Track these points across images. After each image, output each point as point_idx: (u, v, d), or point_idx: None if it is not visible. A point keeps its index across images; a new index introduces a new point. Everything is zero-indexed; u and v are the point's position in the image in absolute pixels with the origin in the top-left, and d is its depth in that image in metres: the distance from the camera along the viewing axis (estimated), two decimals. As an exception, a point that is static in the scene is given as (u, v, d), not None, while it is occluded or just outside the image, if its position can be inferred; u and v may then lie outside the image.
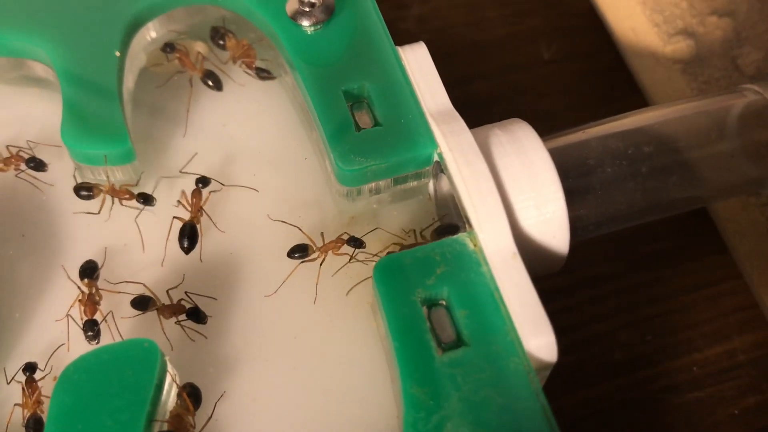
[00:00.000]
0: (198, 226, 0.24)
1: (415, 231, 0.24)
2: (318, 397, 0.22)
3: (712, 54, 0.29)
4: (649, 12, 0.30)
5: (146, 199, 0.24)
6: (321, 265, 0.24)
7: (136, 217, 0.24)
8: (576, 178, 0.23)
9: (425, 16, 0.36)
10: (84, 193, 0.25)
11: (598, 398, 0.28)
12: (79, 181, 0.25)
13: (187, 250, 0.24)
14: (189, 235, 0.24)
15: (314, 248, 0.24)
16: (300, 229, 0.24)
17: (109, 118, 0.24)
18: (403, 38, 0.35)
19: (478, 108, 0.33)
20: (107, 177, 0.24)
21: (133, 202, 0.24)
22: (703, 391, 0.29)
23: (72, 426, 0.20)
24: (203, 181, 0.25)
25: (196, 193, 0.24)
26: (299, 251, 0.24)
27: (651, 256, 0.31)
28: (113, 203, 0.24)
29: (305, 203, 0.25)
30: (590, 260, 0.31)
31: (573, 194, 0.23)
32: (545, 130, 0.24)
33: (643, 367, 0.29)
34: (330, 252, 0.24)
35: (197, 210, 0.24)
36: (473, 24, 0.36)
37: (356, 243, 0.24)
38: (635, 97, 0.33)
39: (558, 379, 0.28)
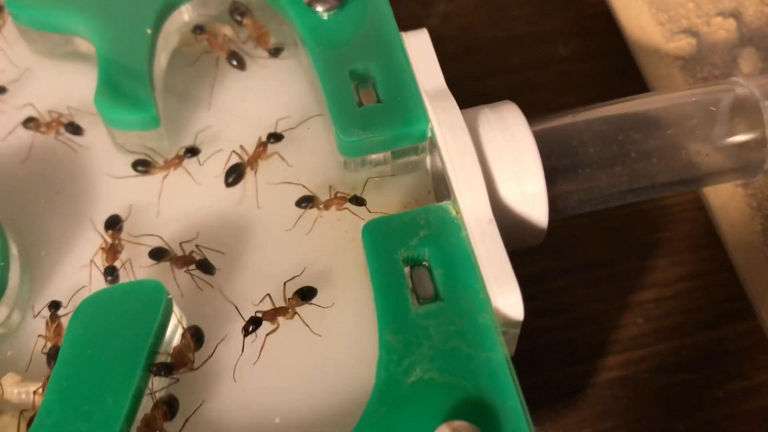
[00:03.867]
0: (246, 170, 0.27)
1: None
2: (312, 343, 0.24)
3: (714, 52, 0.31)
4: (655, 11, 0.31)
5: (192, 152, 0.27)
6: (319, 213, 0.26)
7: (164, 177, 0.27)
8: (559, 157, 0.25)
9: (450, 13, 0.38)
10: (141, 168, 0.27)
11: (585, 375, 0.30)
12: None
13: (229, 185, 0.26)
14: (237, 173, 0.26)
15: (319, 201, 0.26)
16: (304, 186, 0.26)
17: (137, 88, 0.26)
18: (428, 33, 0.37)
19: (494, 101, 0.35)
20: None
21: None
22: (690, 373, 0.30)
23: (83, 352, 0.22)
24: (275, 137, 0.27)
25: (263, 144, 0.27)
26: (306, 201, 0.26)
27: (648, 245, 0.32)
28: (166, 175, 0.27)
29: (311, 172, 0.27)
30: (589, 246, 0.32)
31: (555, 172, 0.25)
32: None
33: (632, 349, 0.30)
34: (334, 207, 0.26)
35: (255, 159, 0.27)
36: (495, 22, 0.38)
37: (358, 201, 0.26)
38: (645, 95, 0.34)
39: (548, 354, 0.30)
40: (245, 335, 0.24)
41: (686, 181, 0.27)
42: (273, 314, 0.24)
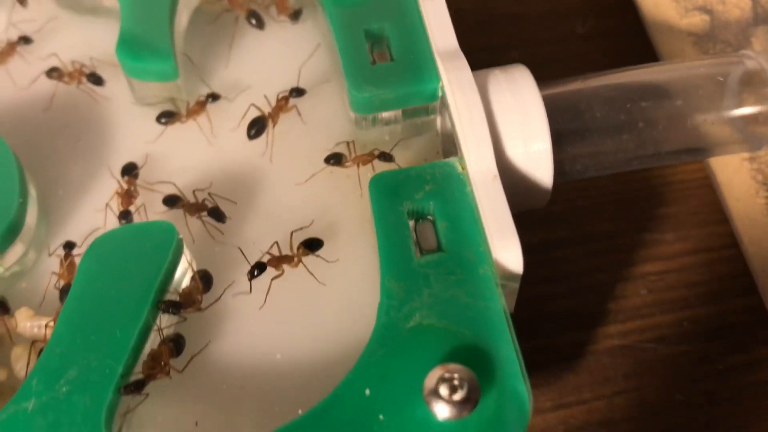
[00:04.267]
0: (268, 124, 0.27)
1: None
2: (316, 292, 0.25)
3: (727, 30, 0.31)
4: (672, -12, 0.32)
5: (214, 97, 0.28)
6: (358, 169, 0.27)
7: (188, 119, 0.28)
8: (567, 120, 0.26)
9: (470, -13, 0.39)
10: (164, 119, 0.28)
11: (586, 342, 0.30)
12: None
13: (251, 137, 0.27)
14: (259, 126, 0.27)
15: (348, 158, 0.26)
16: (349, 144, 0.27)
17: (158, 39, 0.27)
18: (450, 5, 0.38)
19: (509, 74, 0.35)
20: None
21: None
22: (691, 345, 0.30)
23: (94, 286, 0.23)
24: (298, 91, 0.28)
25: (285, 98, 0.27)
26: (334, 158, 0.27)
27: (656, 219, 0.33)
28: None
29: (324, 132, 0.28)
30: (597, 217, 0.33)
31: (562, 134, 0.26)
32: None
33: (634, 319, 0.31)
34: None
35: (277, 112, 0.27)
36: (515, -4, 0.38)
37: (386, 158, 0.26)
38: (659, 73, 0.35)
39: (551, 320, 0.31)
40: (251, 279, 0.25)
41: (692, 150, 0.27)
42: (277, 261, 0.25)
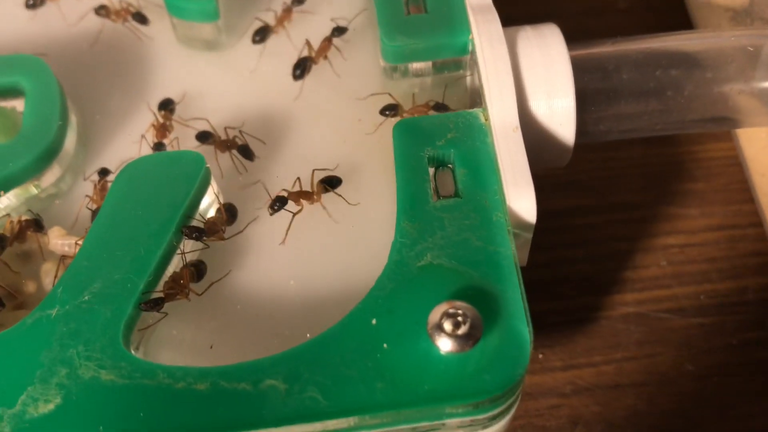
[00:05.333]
0: (312, 65, 0.28)
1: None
2: (337, 229, 0.26)
3: (766, 7, 0.31)
4: (713, -37, 0.32)
5: (262, 36, 0.29)
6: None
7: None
8: (593, 80, 0.26)
9: (514, -43, 0.39)
10: (258, 37, 0.29)
11: (602, 307, 0.30)
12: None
13: (297, 77, 0.28)
14: (303, 67, 0.28)
15: (403, 109, 0.27)
16: (390, 95, 0.28)
17: (201, -19, 0.28)
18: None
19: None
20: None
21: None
22: (707, 318, 0.30)
23: (123, 207, 0.24)
24: (339, 30, 0.29)
25: (328, 39, 0.28)
26: (390, 109, 0.27)
27: (682, 194, 0.33)
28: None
29: (356, 80, 0.29)
30: (623, 188, 0.33)
31: (587, 93, 0.26)
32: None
33: (652, 288, 0.31)
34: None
35: (320, 53, 0.28)
36: (559, -31, 0.38)
37: (440, 107, 0.27)
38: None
39: (568, 284, 0.31)
40: (272, 212, 0.25)
41: (717, 119, 0.27)
42: (297, 196, 0.26)
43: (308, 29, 0.30)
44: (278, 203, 0.25)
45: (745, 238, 0.32)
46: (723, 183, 0.33)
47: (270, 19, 0.30)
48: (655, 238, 0.32)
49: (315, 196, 0.26)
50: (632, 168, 0.33)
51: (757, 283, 0.31)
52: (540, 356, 0.29)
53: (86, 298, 0.23)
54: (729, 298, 0.31)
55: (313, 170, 0.26)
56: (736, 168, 0.33)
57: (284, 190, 0.26)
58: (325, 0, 0.30)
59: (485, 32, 0.25)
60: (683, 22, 0.36)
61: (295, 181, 0.26)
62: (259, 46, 0.30)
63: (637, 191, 0.33)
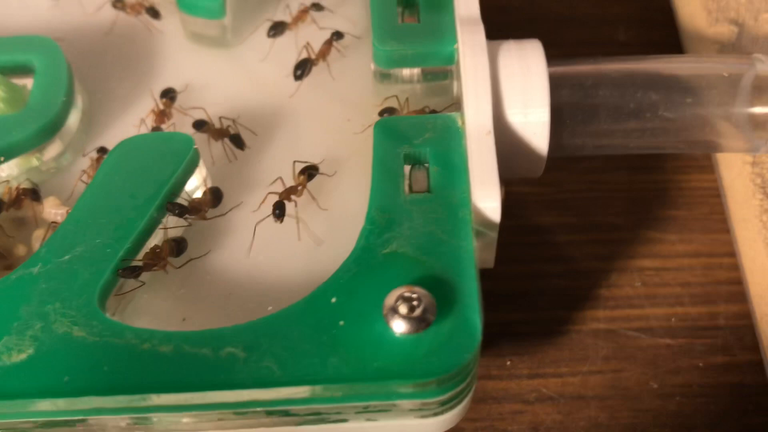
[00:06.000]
0: (312, 66, 0.30)
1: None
2: (316, 217, 0.27)
3: (754, 43, 0.32)
4: (706, 0, 0.33)
5: (277, 31, 0.31)
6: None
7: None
8: (570, 94, 0.27)
9: (521, -13, 0.40)
10: (272, 32, 0.31)
11: (572, 321, 0.31)
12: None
13: (297, 77, 0.30)
14: (305, 68, 0.30)
15: (401, 112, 0.28)
16: (396, 97, 0.29)
17: (211, -21, 0.30)
18: (498, 3, 0.40)
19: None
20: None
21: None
22: (675, 339, 0.31)
23: (112, 180, 0.26)
24: (338, 35, 0.30)
25: (328, 42, 0.30)
26: (388, 111, 0.28)
27: (663, 219, 0.34)
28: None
29: (350, 84, 0.30)
30: (605, 210, 0.34)
31: (565, 108, 0.27)
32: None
33: (624, 307, 0.32)
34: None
35: (321, 55, 0.30)
36: (564, 0, 0.40)
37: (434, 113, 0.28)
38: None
39: (541, 296, 0.32)
40: (278, 220, 0.27)
41: (694, 143, 0.28)
42: (287, 193, 0.27)
43: (309, 33, 0.31)
44: (279, 209, 0.27)
45: (720, 266, 0.32)
46: (704, 212, 0.34)
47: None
48: (632, 259, 0.33)
49: (300, 188, 0.27)
50: (617, 192, 0.34)
51: (729, 310, 0.31)
52: (508, 363, 0.30)
53: (67, 258, 0.24)
54: (699, 323, 0.31)
55: (294, 162, 0.28)
56: (719, 199, 0.34)
57: (272, 193, 0.27)
58: (337, 6, 0.32)
59: (468, 42, 0.26)
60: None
61: (275, 180, 0.27)
62: (265, 45, 0.31)
63: (619, 214, 0.34)
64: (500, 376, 0.30)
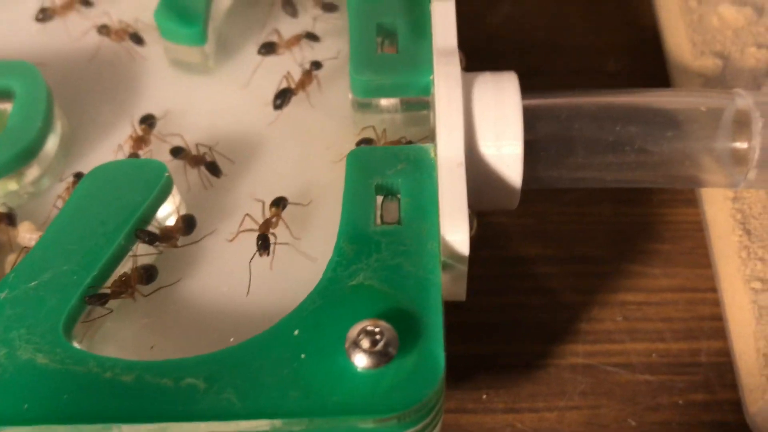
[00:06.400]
0: (292, 96, 0.30)
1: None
2: (287, 248, 0.27)
3: (738, 77, 0.31)
4: (692, 32, 0.33)
5: (268, 50, 0.31)
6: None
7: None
8: (545, 126, 0.27)
9: (513, 15, 0.40)
10: (263, 50, 0.31)
11: (551, 355, 0.31)
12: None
13: (277, 107, 0.30)
14: (285, 97, 0.30)
15: (378, 143, 0.28)
16: (373, 127, 0.29)
17: (192, 8, 0.30)
18: (488, 30, 0.40)
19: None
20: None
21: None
22: (656, 376, 0.30)
23: (83, 207, 0.26)
24: (316, 65, 0.30)
25: (308, 72, 0.30)
26: (366, 143, 0.29)
27: (647, 253, 0.33)
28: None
29: (328, 113, 0.30)
30: (588, 243, 0.33)
31: (539, 142, 0.27)
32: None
33: (604, 342, 0.31)
34: None
35: (301, 85, 0.30)
36: (554, 29, 0.40)
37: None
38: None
39: (520, 329, 0.32)
40: (264, 253, 0.27)
41: (674, 177, 0.28)
42: (266, 226, 0.27)
43: (290, 63, 0.31)
44: (264, 242, 0.26)
45: (704, 301, 0.32)
46: (689, 246, 0.33)
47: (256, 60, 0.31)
48: (613, 293, 0.32)
49: (274, 220, 0.27)
50: (601, 224, 0.34)
51: (710, 347, 0.31)
52: (484, 396, 0.30)
53: (35, 284, 0.24)
54: (680, 359, 0.31)
55: (263, 202, 0.28)
56: (704, 233, 0.33)
57: (250, 230, 0.27)
58: (312, 48, 0.32)
59: (443, 73, 0.26)
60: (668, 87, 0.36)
61: (243, 218, 0.27)
62: (246, 73, 0.31)
63: (602, 246, 0.33)
64: (475, 410, 0.30)
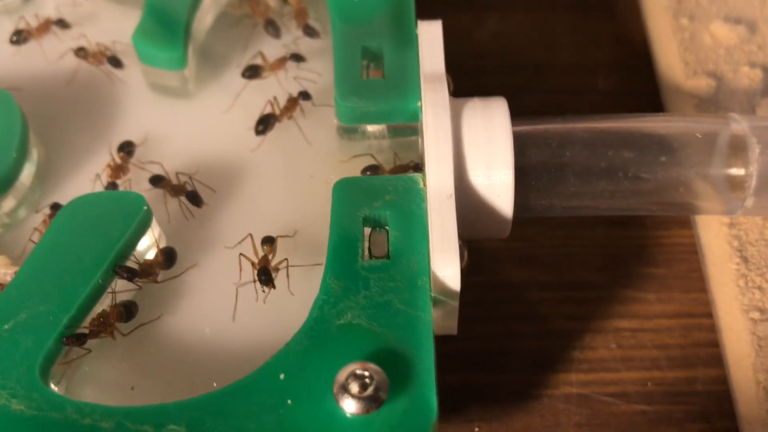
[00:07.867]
0: (276, 123, 0.29)
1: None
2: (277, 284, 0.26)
3: (732, 98, 0.31)
4: (684, 51, 0.32)
5: (252, 74, 0.30)
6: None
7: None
8: (536, 154, 0.26)
9: (501, 32, 0.40)
10: (248, 73, 0.30)
11: (544, 384, 0.30)
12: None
13: (259, 132, 0.29)
14: (267, 123, 0.29)
15: (384, 169, 0.28)
16: (372, 156, 0.28)
17: (172, 31, 0.29)
18: (476, 48, 0.39)
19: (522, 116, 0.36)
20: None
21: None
22: (652, 406, 0.30)
23: (60, 241, 0.25)
24: (304, 95, 0.29)
25: (294, 99, 0.29)
26: (371, 170, 0.28)
27: (641, 277, 0.32)
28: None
29: (314, 137, 0.29)
30: (581, 268, 0.33)
31: (531, 169, 0.26)
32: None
33: (598, 371, 0.30)
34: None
35: (285, 112, 0.29)
36: (543, 46, 0.39)
37: (418, 169, 0.27)
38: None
39: (513, 358, 0.31)
40: (268, 287, 0.26)
41: (668, 204, 0.27)
42: (264, 261, 0.26)
43: (275, 87, 0.30)
44: (265, 276, 0.26)
45: (699, 327, 0.31)
46: (684, 270, 0.32)
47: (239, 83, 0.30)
48: (607, 320, 0.31)
49: (270, 256, 0.26)
50: (593, 248, 0.33)
51: (707, 375, 0.30)
52: (476, 429, 0.29)
53: (9, 327, 0.23)
54: (677, 387, 0.30)
55: (252, 239, 0.27)
56: (698, 256, 0.32)
57: (252, 264, 0.26)
58: (294, 71, 0.31)
59: (431, 100, 0.25)
60: (657, 106, 0.36)
61: (240, 258, 0.26)
62: (227, 97, 0.30)
63: (595, 271, 0.33)
64: (468, 444, 0.29)
